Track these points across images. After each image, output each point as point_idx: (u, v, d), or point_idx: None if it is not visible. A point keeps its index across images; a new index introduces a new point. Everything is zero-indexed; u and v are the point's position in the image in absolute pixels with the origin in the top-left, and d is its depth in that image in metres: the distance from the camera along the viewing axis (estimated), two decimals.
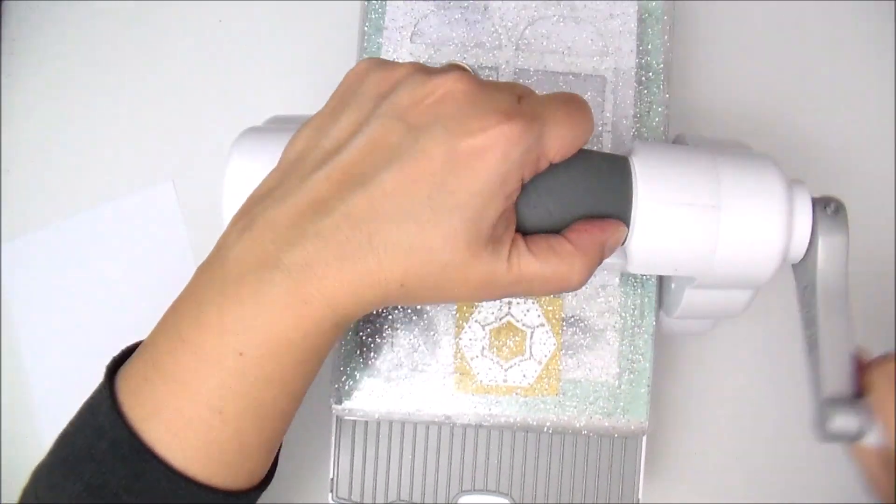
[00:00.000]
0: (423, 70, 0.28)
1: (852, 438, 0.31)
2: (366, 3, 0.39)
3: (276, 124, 0.36)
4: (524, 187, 0.30)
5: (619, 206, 0.31)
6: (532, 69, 0.38)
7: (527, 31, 0.38)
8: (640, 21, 0.39)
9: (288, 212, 0.27)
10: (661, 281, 0.38)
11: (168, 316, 0.29)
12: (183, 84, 0.49)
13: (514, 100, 0.27)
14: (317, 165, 0.27)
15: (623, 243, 0.32)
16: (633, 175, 0.31)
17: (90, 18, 0.49)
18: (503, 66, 0.38)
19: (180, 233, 0.47)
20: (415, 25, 0.38)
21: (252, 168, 0.32)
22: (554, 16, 0.38)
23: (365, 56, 0.39)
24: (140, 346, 0.30)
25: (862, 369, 0.32)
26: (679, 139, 0.37)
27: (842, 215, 0.33)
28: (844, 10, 0.48)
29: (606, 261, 0.34)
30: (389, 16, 0.38)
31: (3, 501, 0.45)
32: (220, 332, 0.27)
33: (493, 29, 0.38)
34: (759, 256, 0.32)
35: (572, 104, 0.29)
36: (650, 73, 0.38)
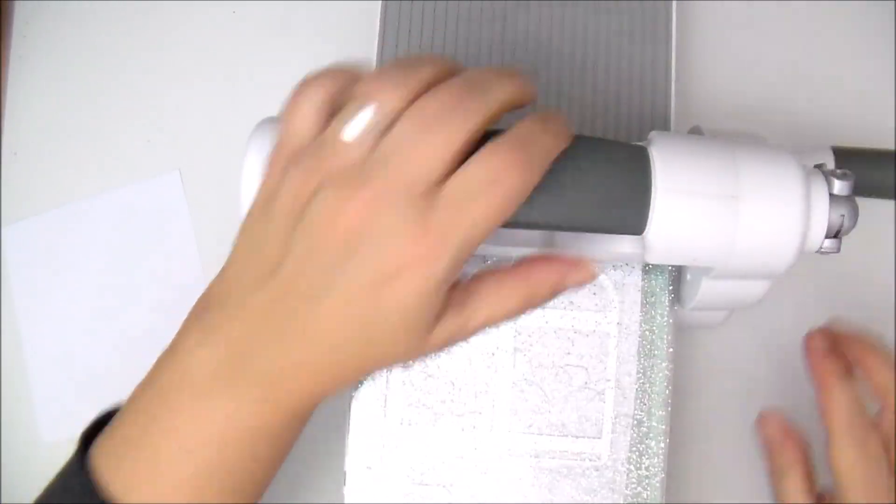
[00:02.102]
0: (330, 183, 0.26)
1: None
2: (384, 2, 0.40)
3: None
4: (544, 176, 0.30)
5: (638, 196, 0.31)
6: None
7: None
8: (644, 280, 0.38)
9: (236, 330, 0.28)
10: (678, 272, 0.38)
11: (135, 400, 0.30)
12: (193, 74, 0.49)
13: (425, 208, 0.25)
14: (255, 285, 0.28)
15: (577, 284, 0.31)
16: (651, 165, 0.31)
17: (102, 5, 0.49)
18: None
19: (185, 222, 0.47)
20: None
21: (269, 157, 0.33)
22: None
23: (380, 58, 0.41)
24: (110, 426, 0.30)
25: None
26: (695, 131, 0.37)
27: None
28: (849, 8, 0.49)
29: (625, 252, 0.35)
30: None
31: (3, 502, 0.45)
32: (171, 432, 0.28)
33: None
34: (777, 246, 0.32)
35: (501, 183, 0.26)
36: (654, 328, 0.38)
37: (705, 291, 0.35)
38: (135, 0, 0.49)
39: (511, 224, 0.32)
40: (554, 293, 0.30)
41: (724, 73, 0.48)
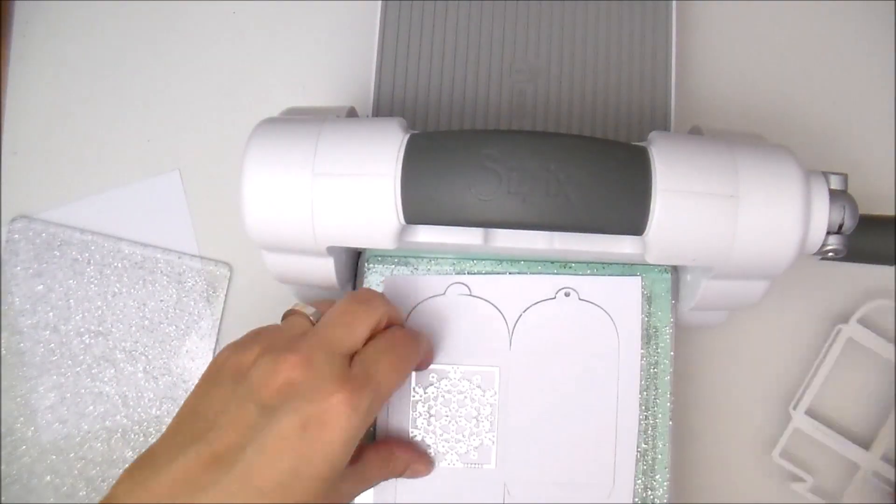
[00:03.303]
0: (269, 350, 0.32)
1: None
2: (384, 2, 0.40)
3: (292, 115, 0.36)
4: (545, 177, 0.30)
5: (638, 196, 0.31)
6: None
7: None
8: (645, 300, 0.38)
9: (165, 483, 0.30)
10: (677, 272, 0.38)
11: None
12: (192, 74, 0.49)
13: (345, 365, 0.31)
14: (189, 442, 0.30)
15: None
16: (651, 165, 0.31)
17: (102, 5, 0.49)
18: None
19: (185, 221, 0.48)
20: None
21: (269, 157, 0.33)
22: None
23: (379, 57, 0.41)
24: None
25: None
26: (695, 130, 0.37)
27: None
28: (849, 9, 0.49)
29: (625, 253, 0.35)
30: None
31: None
32: None
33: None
34: (776, 246, 0.32)
35: (397, 349, 0.33)
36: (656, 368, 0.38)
37: (705, 291, 0.35)
38: (135, 0, 0.50)
39: (512, 225, 0.32)
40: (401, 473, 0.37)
41: (724, 73, 0.48)
